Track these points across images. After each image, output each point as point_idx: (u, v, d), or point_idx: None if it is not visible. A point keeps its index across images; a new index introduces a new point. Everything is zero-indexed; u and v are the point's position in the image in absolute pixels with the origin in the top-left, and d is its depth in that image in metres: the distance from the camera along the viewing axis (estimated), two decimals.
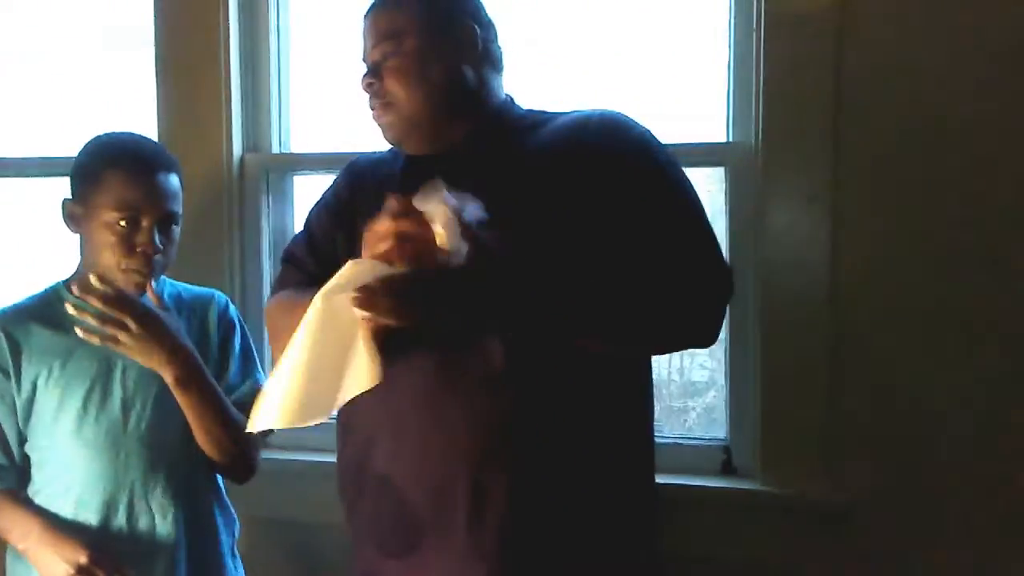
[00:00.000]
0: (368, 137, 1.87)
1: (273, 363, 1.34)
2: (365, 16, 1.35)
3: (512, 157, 1.29)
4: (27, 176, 2.12)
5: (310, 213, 1.46)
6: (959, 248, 1.55)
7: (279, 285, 1.43)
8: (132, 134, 1.50)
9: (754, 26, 1.64)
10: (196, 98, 1.89)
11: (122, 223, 1.39)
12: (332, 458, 1.81)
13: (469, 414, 1.20)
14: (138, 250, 1.40)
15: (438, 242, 1.05)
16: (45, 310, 1.48)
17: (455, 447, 1.21)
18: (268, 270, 1.95)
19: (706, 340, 1.29)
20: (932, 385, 1.57)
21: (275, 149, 1.95)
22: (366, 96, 1.33)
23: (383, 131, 1.34)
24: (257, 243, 1.93)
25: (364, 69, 1.33)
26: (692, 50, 1.79)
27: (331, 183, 1.47)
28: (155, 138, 1.88)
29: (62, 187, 1.49)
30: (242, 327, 1.61)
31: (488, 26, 1.36)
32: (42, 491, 1.46)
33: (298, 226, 1.94)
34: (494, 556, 1.21)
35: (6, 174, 2.15)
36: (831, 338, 1.59)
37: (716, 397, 2.00)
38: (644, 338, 1.26)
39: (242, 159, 1.92)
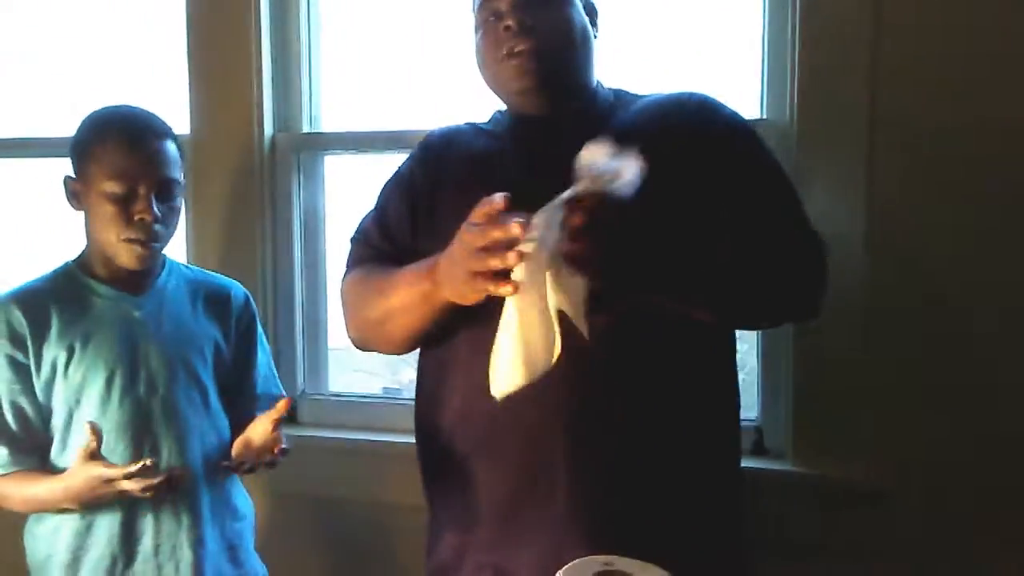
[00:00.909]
0: (399, 115, 1.90)
1: (359, 336, 1.37)
2: None
3: (609, 133, 1.26)
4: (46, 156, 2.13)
5: (382, 191, 1.44)
6: (998, 227, 1.52)
7: (352, 263, 1.41)
8: (126, 105, 1.48)
9: (789, 2, 1.61)
10: (227, 78, 1.90)
11: (118, 192, 1.38)
12: (357, 435, 1.86)
13: (562, 374, 1.16)
14: (136, 219, 1.38)
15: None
16: (61, 290, 1.47)
17: (549, 412, 1.20)
18: (299, 249, 1.95)
19: (807, 315, 1.33)
20: (967, 366, 1.55)
21: (306, 128, 1.96)
22: (500, 38, 1.26)
23: (516, 77, 1.27)
24: (288, 222, 1.94)
25: (490, 15, 1.28)
26: (725, 26, 1.77)
27: (404, 160, 1.45)
28: (187, 119, 1.90)
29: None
30: (258, 320, 1.62)
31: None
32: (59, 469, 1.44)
33: (329, 206, 1.98)
34: (592, 520, 1.20)
35: (28, 154, 2.16)
36: (865, 318, 1.58)
37: (747, 379, 1.99)
38: (755, 309, 1.26)
39: (273, 139, 1.93)
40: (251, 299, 1.61)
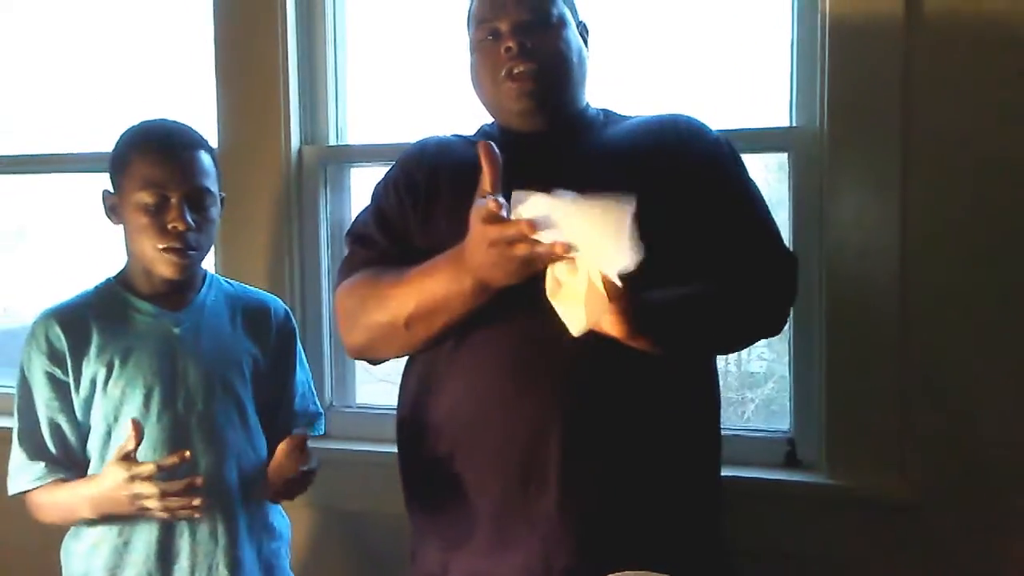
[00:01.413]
0: (424, 126, 1.89)
1: (346, 348, 1.37)
2: None
3: (595, 150, 1.32)
4: (85, 172, 2.15)
5: (376, 192, 1.43)
6: None
7: (348, 267, 1.38)
8: (162, 119, 1.48)
9: (819, 6, 1.60)
10: (255, 92, 1.91)
11: (150, 202, 1.38)
12: (386, 447, 1.85)
13: (556, 378, 1.19)
14: (169, 227, 1.38)
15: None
16: (101, 306, 1.46)
17: (545, 408, 1.20)
18: (327, 261, 1.96)
19: (773, 334, 1.39)
20: (1001, 378, 1.53)
21: (332, 141, 1.96)
22: (499, 59, 1.29)
23: (515, 98, 1.30)
24: (315, 234, 1.94)
25: (488, 34, 1.32)
26: (754, 31, 1.76)
27: (395, 164, 1.44)
28: (215, 132, 1.91)
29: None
30: (298, 336, 1.62)
31: None
32: None
33: None
34: (581, 525, 1.20)
35: (72, 169, 2.20)
36: (898, 329, 1.55)
37: (775, 388, 1.97)
38: (724, 335, 1.31)
39: (300, 151, 1.93)
40: (291, 315, 1.60)
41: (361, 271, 1.35)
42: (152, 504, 1.29)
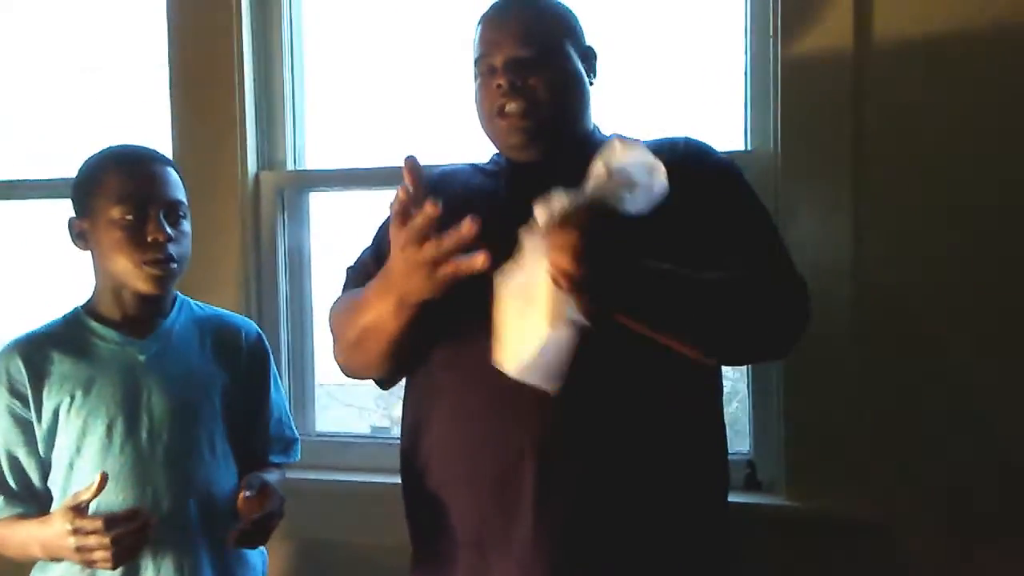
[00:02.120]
0: (383, 152, 1.89)
1: (343, 362, 1.35)
2: (495, 15, 1.33)
3: None
4: (39, 198, 2.11)
5: (381, 226, 1.44)
6: (986, 255, 1.52)
7: (343, 292, 1.41)
8: (122, 144, 1.47)
9: (770, 32, 1.62)
10: (210, 117, 1.89)
11: (128, 217, 1.37)
12: (344, 476, 1.83)
13: (539, 401, 1.15)
14: (149, 240, 1.37)
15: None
16: (65, 337, 1.44)
17: (521, 435, 1.19)
18: (284, 288, 1.94)
19: (783, 354, 1.35)
20: (962, 394, 1.54)
21: (290, 166, 1.95)
22: (493, 95, 1.29)
23: (508, 134, 1.30)
24: (273, 260, 1.92)
25: (485, 70, 1.30)
26: (708, 57, 1.78)
27: None
28: (170, 157, 1.88)
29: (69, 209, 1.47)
30: (271, 359, 1.59)
31: None
32: None
33: (314, 243, 1.97)
34: (556, 556, 1.19)
35: (17, 196, 2.15)
36: (856, 348, 1.56)
37: (738, 409, 1.97)
38: (735, 347, 1.25)
39: (257, 177, 1.92)
40: (263, 338, 1.58)
41: (346, 292, 1.38)
42: (99, 556, 1.27)
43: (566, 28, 1.33)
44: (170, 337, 1.46)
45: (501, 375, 1.16)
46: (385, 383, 1.40)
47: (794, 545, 1.60)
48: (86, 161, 1.45)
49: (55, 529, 1.30)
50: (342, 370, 1.39)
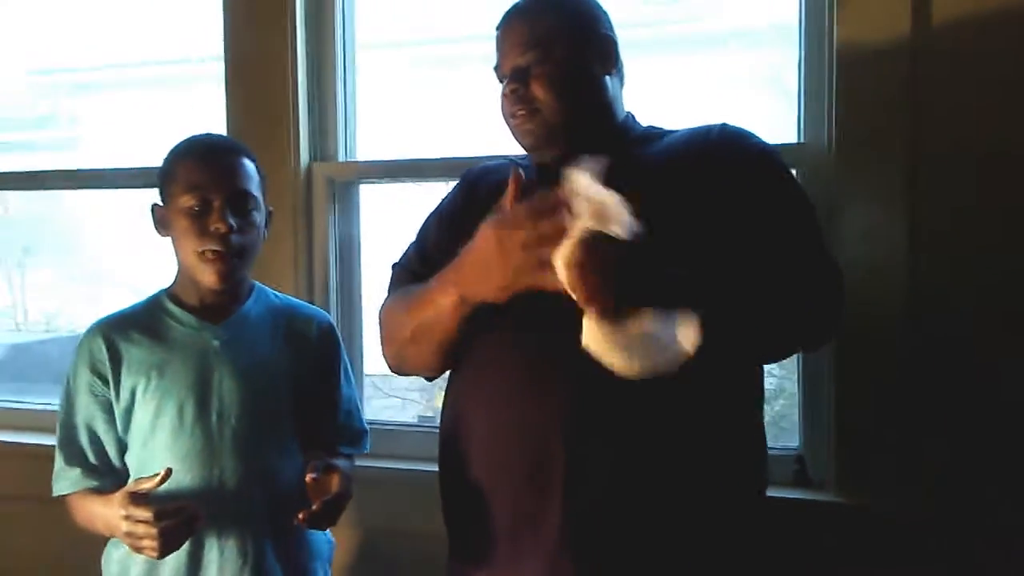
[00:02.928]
0: (433, 145, 1.91)
1: (394, 359, 1.38)
2: (501, 25, 1.36)
3: (634, 167, 1.28)
4: (115, 188, 2.18)
5: (424, 222, 1.48)
6: None
7: (390, 288, 1.45)
8: (205, 132, 1.51)
9: (826, 23, 1.60)
10: (264, 109, 1.93)
11: (193, 205, 1.40)
12: (391, 464, 1.85)
13: (568, 396, 1.18)
14: (211, 229, 1.40)
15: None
16: (146, 319, 1.49)
17: (551, 418, 1.19)
18: (334, 278, 1.96)
19: (819, 345, 1.34)
20: (1015, 394, 1.51)
21: (341, 158, 1.97)
22: (506, 102, 1.33)
23: (521, 136, 1.34)
24: (324, 251, 1.95)
25: (500, 78, 1.35)
26: (762, 48, 1.76)
27: (447, 192, 1.49)
28: None
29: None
30: (343, 350, 1.61)
31: (617, 38, 1.38)
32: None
33: (365, 234, 1.99)
34: (585, 552, 1.19)
35: (94, 185, 2.22)
36: (908, 345, 1.54)
37: (785, 405, 1.96)
38: (763, 342, 1.24)
39: (309, 168, 1.95)
40: (335, 329, 1.60)
41: (399, 290, 1.41)
42: (147, 544, 1.29)
43: (570, 25, 1.32)
44: (245, 324, 1.50)
45: (531, 362, 1.19)
46: (432, 378, 1.42)
47: (843, 541, 1.59)
48: (170, 150, 1.49)
49: (113, 511, 1.34)
50: (391, 367, 1.42)
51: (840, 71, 1.57)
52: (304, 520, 1.33)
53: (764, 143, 1.31)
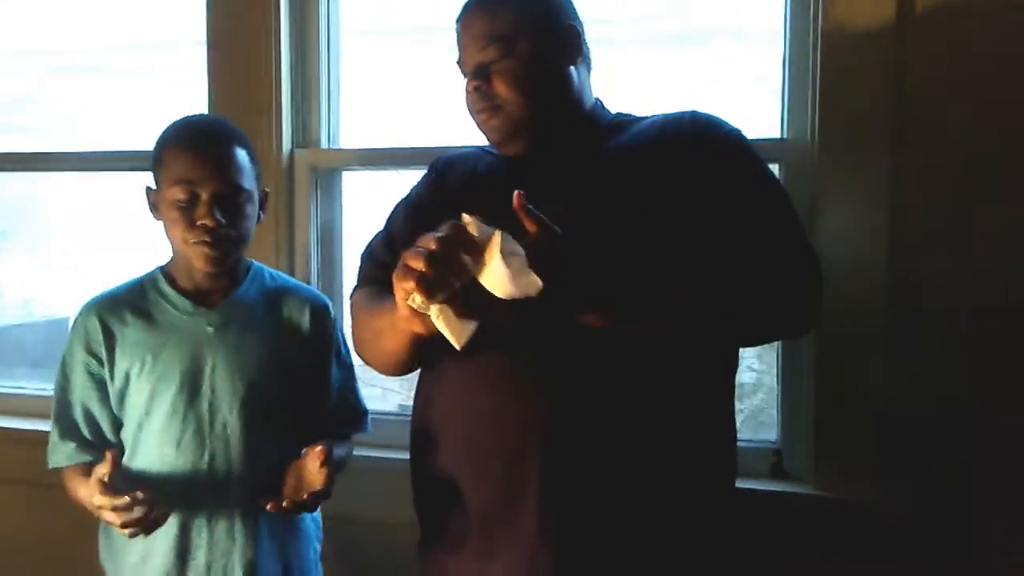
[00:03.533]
0: (417, 133, 1.90)
1: (360, 348, 1.39)
2: (461, 19, 1.35)
3: (604, 156, 1.29)
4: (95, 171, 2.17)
5: (392, 211, 1.47)
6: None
7: (360, 280, 1.45)
8: (199, 115, 1.51)
9: (811, 18, 1.60)
10: (246, 95, 1.91)
11: (182, 198, 1.40)
12: (371, 452, 1.85)
13: (545, 386, 1.18)
14: (198, 224, 1.40)
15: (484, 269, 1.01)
16: (140, 300, 1.49)
17: (525, 421, 1.19)
18: (316, 266, 1.95)
19: (798, 331, 1.32)
20: (992, 388, 1.53)
21: (324, 145, 1.96)
22: (469, 99, 1.32)
23: (488, 134, 1.33)
24: (306, 239, 1.94)
25: (463, 73, 1.34)
26: (746, 44, 1.76)
27: (417, 182, 1.48)
28: None
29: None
30: (337, 331, 1.60)
31: (582, 25, 1.36)
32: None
33: (346, 222, 1.98)
34: (563, 541, 1.19)
35: (70, 168, 2.20)
36: (887, 338, 1.55)
37: (764, 399, 1.97)
38: (735, 329, 1.23)
39: (291, 155, 1.93)
40: (329, 310, 1.59)
41: (369, 285, 1.41)
42: (117, 528, 1.33)
43: (529, 16, 1.30)
44: (239, 309, 1.50)
45: (507, 360, 1.19)
46: (398, 375, 1.41)
47: (820, 534, 1.60)
48: (161, 132, 1.48)
49: (88, 496, 1.36)
50: (361, 360, 1.43)
51: (824, 66, 1.58)
52: (272, 508, 1.34)
53: (735, 130, 1.30)
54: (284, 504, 1.35)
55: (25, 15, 2.29)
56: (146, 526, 1.32)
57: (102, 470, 1.31)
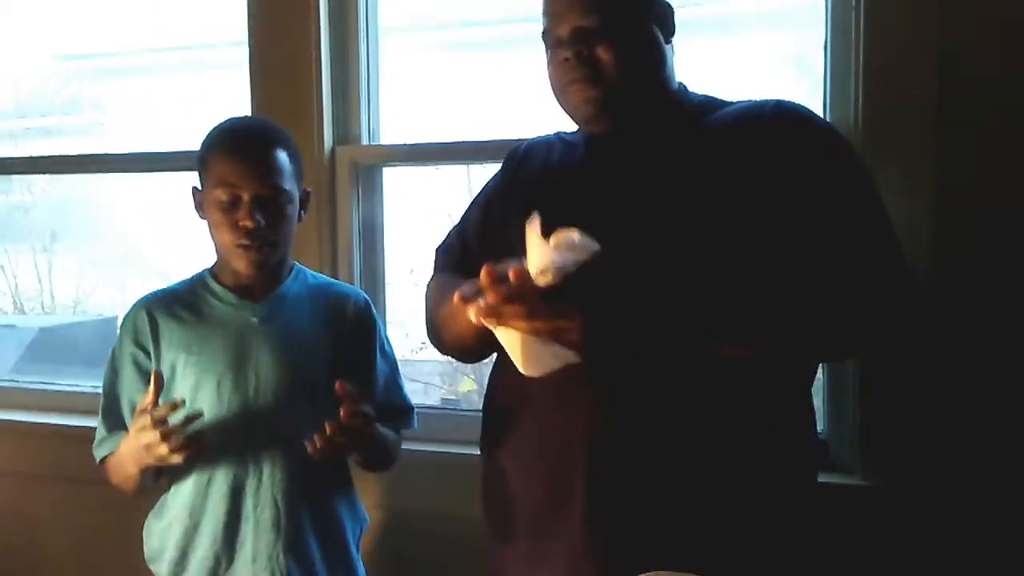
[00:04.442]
0: (457, 127, 1.90)
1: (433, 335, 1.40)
2: None
3: (692, 141, 1.24)
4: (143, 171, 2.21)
5: (471, 202, 1.48)
6: None
7: (435, 269, 1.46)
8: (243, 116, 1.54)
9: (853, 2, 1.58)
10: (288, 93, 1.93)
11: (224, 200, 1.43)
12: (416, 446, 1.86)
13: (592, 393, 1.17)
14: (239, 225, 1.42)
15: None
16: (189, 296, 1.53)
17: (575, 426, 1.18)
18: (358, 261, 1.97)
19: (884, 350, 1.28)
20: None
21: (365, 141, 1.97)
22: (562, 69, 1.25)
23: (580, 104, 1.26)
24: (348, 234, 1.95)
25: (553, 43, 1.26)
26: (787, 28, 1.74)
27: (495, 173, 1.47)
28: None
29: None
30: (379, 327, 1.62)
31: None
32: (176, 471, 1.48)
33: (388, 217, 1.99)
34: (609, 547, 1.17)
35: (119, 169, 2.25)
36: (934, 328, 1.52)
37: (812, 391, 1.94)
38: (819, 349, 1.21)
39: (333, 151, 1.95)
40: (371, 306, 1.61)
41: (442, 274, 1.42)
42: (162, 450, 1.33)
43: None
44: (283, 303, 1.53)
45: (557, 375, 1.13)
46: (471, 362, 1.43)
47: (867, 524, 1.58)
48: (207, 134, 1.51)
49: (131, 434, 1.39)
50: (434, 345, 1.43)
51: (867, 51, 1.55)
52: (311, 449, 1.33)
53: (828, 125, 1.25)
54: (316, 442, 1.33)
55: (72, 19, 2.34)
56: (195, 448, 1.34)
57: (148, 398, 1.34)
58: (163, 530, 1.51)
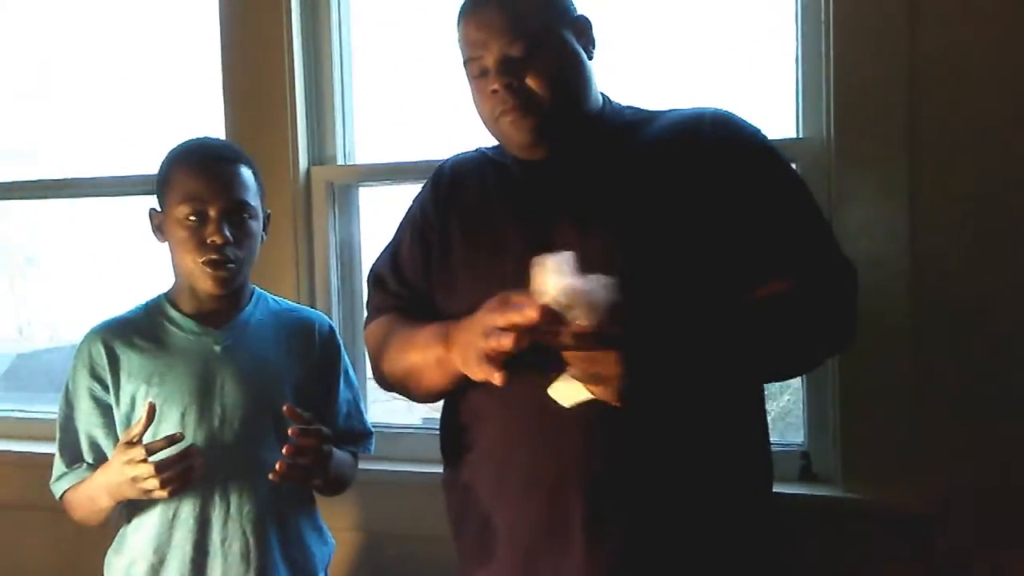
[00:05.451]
0: (431, 145, 1.90)
1: (392, 382, 1.37)
2: (471, 13, 1.24)
3: (623, 155, 1.24)
4: (98, 196, 2.20)
5: (398, 226, 1.44)
6: None
7: (371, 309, 1.43)
8: (203, 136, 1.51)
9: (822, 17, 1.59)
10: (262, 113, 1.92)
11: (191, 217, 1.40)
12: (397, 467, 1.85)
13: (582, 426, 1.15)
14: (208, 241, 1.40)
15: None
16: (146, 324, 1.49)
17: (566, 462, 1.17)
18: (335, 282, 1.96)
19: (849, 343, 1.26)
20: (1017, 386, 1.50)
21: (340, 161, 1.97)
22: (491, 100, 1.22)
23: (515, 134, 1.23)
24: (324, 254, 1.95)
25: (477, 73, 1.24)
26: (758, 43, 1.75)
27: (418, 193, 1.44)
28: None
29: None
30: (343, 353, 1.61)
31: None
32: (136, 504, 1.45)
33: (364, 237, 1.98)
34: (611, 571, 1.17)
35: (82, 194, 2.23)
36: (912, 338, 1.54)
37: (791, 401, 1.95)
38: (800, 357, 1.24)
39: (308, 172, 1.94)
40: (336, 332, 1.60)
41: (379, 317, 1.39)
42: (150, 484, 1.30)
43: (552, 5, 1.24)
44: (246, 329, 1.50)
45: (545, 407, 1.14)
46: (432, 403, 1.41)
47: (848, 535, 1.58)
48: (167, 154, 1.49)
49: (113, 466, 1.35)
50: (380, 387, 1.41)
51: (837, 64, 1.56)
52: (279, 474, 1.32)
53: (760, 134, 1.27)
54: (277, 468, 1.32)
55: (44, 38, 2.32)
56: (186, 479, 1.32)
57: (137, 429, 1.31)
58: (126, 568, 1.46)
